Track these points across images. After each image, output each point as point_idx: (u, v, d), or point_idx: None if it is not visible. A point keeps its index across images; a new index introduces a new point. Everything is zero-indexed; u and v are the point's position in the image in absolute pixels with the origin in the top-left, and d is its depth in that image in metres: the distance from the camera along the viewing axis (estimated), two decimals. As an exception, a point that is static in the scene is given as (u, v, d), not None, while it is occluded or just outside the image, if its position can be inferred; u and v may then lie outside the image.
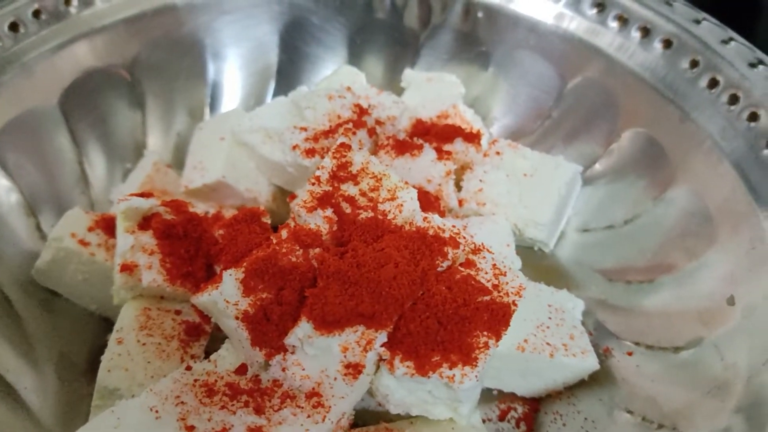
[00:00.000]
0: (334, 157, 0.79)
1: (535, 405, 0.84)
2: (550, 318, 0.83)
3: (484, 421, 0.82)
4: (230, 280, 0.69)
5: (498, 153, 0.95)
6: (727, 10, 0.94)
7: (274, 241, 0.72)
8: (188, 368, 0.70)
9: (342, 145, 0.81)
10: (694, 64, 0.87)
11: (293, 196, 0.83)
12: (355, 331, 0.67)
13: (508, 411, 0.83)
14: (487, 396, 0.84)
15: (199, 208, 0.88)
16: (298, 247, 0.72)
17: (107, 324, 0.86)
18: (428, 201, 0.89)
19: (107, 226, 0.86)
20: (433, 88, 1.02)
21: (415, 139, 0.93)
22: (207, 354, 0.77)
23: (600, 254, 0.93)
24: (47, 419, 0.77)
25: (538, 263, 0.95)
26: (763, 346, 0.68)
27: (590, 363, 0.80)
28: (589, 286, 0.91)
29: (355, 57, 1.10)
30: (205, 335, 0.81)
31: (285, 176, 0.92)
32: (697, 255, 0.81)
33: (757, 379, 0.67)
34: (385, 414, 0.74)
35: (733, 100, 0.82)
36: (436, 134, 0.96)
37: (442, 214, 0.89)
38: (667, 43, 0.89)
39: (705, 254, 0.81)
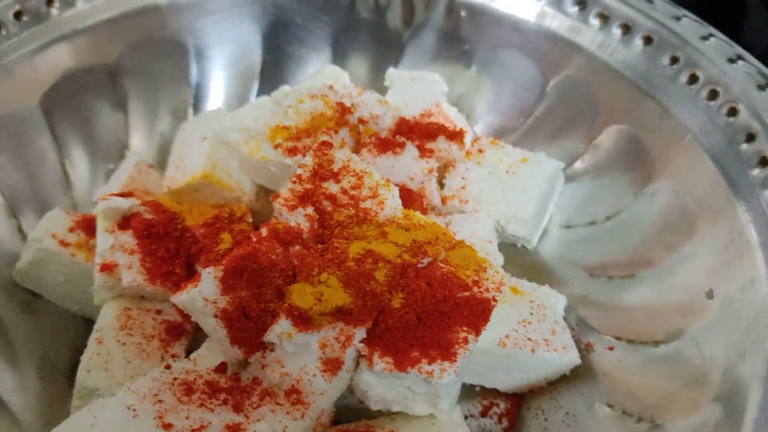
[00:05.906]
0: (316, 155, 0.79)
1: (517, 401, 0.84)
2: (531, 314, 0.83)
3: (466, 417, 0.82)
4: (209, 279, 0.68)
5: (480, 150, 0.96)
6: (713, 10, 0.94)
7: (254, 239, 0.72)
8: (167, 367, 0.70)
9: (323, 143, 0.80)
10: (674, 60, 0.87)
11: (276, 195, 0.82)
12: (334, 327, 0.67)
13: (491, 407, 0.83)
14: (470, 392, 0.84)
15: None
16: (277, 245, 0.72)
17: (89, 325, 0.85)
18: (411, 199, 0.89)
19: (88, 226, 0.86)
20: (416, 87, 1.02)
21: (397, 137, 0.93)
22: (188, 354, 0.77)
23: (582, 250, 0.93)
24: (28, 420, 0.77)
25: (522, 260, 0.95)
26: (739, 339, 0.68)
27: (571, 358, 0.81)
28: (571, 282, 0.91)
29: (339, 57, 1.09)
30: (186, 335, 0.81)
31: (267, 175, 0.92)
32: (676, 249, 0.82)
33: (734, 370, 0.67)
34: (367, 411, 0.74)
35: (713, 95, 0.82)
36: (419, 132, 0.96)
37: (425, 212, 0.89)
38: (648, 40, 0.90)
39: (684, 248, 0.81)
